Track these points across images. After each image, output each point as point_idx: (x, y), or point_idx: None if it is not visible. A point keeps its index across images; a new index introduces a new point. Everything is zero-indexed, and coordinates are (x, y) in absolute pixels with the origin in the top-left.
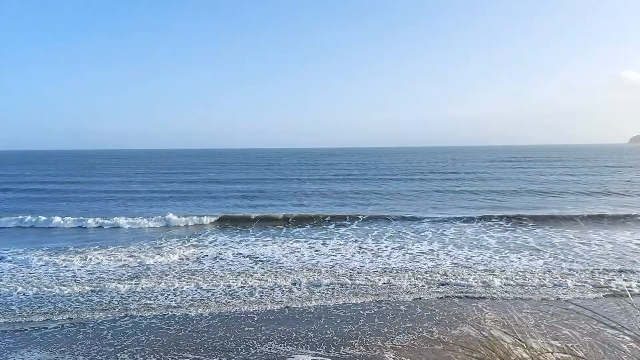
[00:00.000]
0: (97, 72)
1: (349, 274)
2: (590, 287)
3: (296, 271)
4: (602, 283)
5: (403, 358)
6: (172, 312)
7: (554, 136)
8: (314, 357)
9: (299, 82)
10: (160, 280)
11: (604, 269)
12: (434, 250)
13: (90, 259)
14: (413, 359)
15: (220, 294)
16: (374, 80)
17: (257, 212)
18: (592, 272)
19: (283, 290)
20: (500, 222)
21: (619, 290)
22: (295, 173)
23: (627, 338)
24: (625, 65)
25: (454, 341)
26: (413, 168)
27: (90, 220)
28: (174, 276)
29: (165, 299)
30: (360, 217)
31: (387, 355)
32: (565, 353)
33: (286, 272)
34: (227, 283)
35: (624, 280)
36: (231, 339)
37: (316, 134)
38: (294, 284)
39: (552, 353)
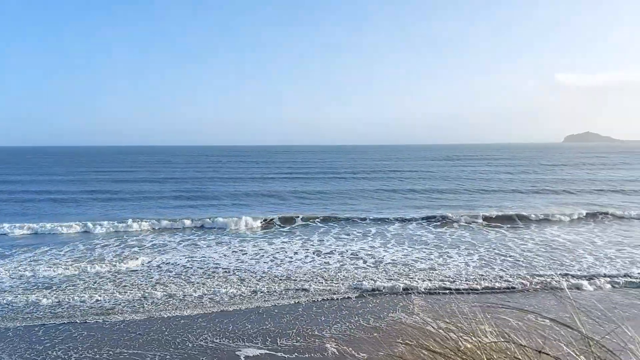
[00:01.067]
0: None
1: (287, 273)
2: (520, 279)
3: (238, 271)
4: (531, 276)
5: (345, 347)
6: (106, 315)
7: (494, 135)
8: (259, 350)
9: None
10: (91, 285)
11: (534, 262)
12: (375, 247)
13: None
14: (372, 352)
15: (156, 296)
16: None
17: (197, 216)
18: (523, 265)
19: (222, 290)
20: (440, 220)
21: (546, 282)
22: (242, 171)
23: (548, 322)
24: (559, 67)
25: (396, 330)
26: (358, 167)
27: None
28: (108, 280)
29: (97, 303)
30: (305, 217)
31: (328, 346)
32: (508, 342)
33: (224, 271)
34: (164, 286)
35: (551, 272)
36: (166, 333)
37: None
38: (235, 283)
39: (495, 343)
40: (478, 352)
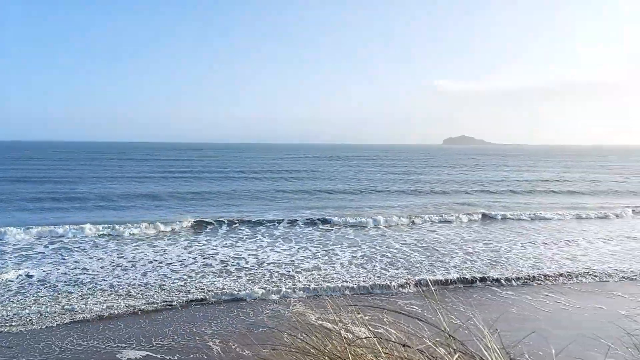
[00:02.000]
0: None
1: (167, 276)
2: (396, 278)
3: (110, 277)
4: (406, 274)
5: (230, 343)
6: None
7: (379, 136)
8: (140, 352)
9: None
10: None
11: (411, 258)
12: (262, 248)
13: None
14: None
15: (17, 307)
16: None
17: (65, 219)
18: (400, 264)
19: (95, 296)
20: (327, 219)
21: (417, 282)
22: (117, 171)
23: (416, 318)
24: (437, 74)
25: (276, 328)
26: (245, 166)
27: None
28: None
29: None
30: (190, 219)
31: (210, 343)
32: (376, 338)
33: (94, 278)
34: (25, 296)
35: (424, 273)
36: (27, 337)
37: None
38: (107, 290)
39: (365, 339)
40: (348, 348)
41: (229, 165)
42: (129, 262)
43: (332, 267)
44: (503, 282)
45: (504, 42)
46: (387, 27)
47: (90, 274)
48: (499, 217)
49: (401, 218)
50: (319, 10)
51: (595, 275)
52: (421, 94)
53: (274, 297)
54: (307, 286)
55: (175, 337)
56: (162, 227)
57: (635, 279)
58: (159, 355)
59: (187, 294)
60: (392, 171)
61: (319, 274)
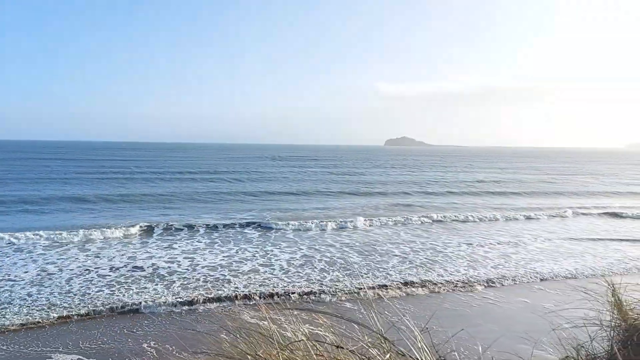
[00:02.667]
0: None
1: (89, 283)
2: (332, 282)
3: (38, 282)
4: (344, 274)
5: (167, 346)
6: None
7: (322, 137)
8: (70, 356)
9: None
10: None
11: (349, 259)
12: (199, 250)
13: None
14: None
15: None
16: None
17: None
18: (338, 264)
19: (16, 302)
20: (266, 223)
21: (351, 288)
22: (40, 171)
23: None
24: (378, 77)
25: (213, 331)
26: (183, 166)
27: None
28: None
29: None
30: (123, 224)
31: (145, 345)
32: (310, 339)
33: (12, 282)
34: None
35: (363, 276)
36: None
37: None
38: (33, 294)
39: (299, 341)
40: (280, 352)
41: (164, 166)
42: (57, 267)
43: (271, 269)
44: (438, 281)
45: (442, 45)
46: (325, 27)
47: (12, 281)
48: (437, 218)
49: (341, 219)
50: (254, 15)
51: (525, 273)
52: (363, 95)
53: (209, 302)
54: (244, 290)
55: (105, 339)
56: (94, 232)
57: (562, 275)
58: None
59: (118, 301)
60: (334, 172)
61: (256, 278)
